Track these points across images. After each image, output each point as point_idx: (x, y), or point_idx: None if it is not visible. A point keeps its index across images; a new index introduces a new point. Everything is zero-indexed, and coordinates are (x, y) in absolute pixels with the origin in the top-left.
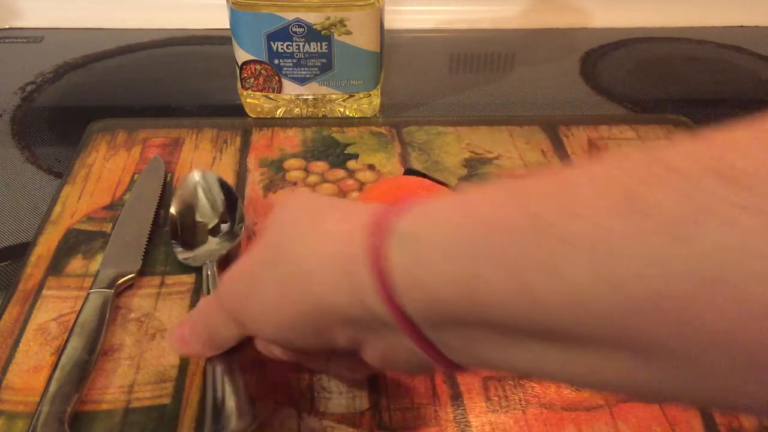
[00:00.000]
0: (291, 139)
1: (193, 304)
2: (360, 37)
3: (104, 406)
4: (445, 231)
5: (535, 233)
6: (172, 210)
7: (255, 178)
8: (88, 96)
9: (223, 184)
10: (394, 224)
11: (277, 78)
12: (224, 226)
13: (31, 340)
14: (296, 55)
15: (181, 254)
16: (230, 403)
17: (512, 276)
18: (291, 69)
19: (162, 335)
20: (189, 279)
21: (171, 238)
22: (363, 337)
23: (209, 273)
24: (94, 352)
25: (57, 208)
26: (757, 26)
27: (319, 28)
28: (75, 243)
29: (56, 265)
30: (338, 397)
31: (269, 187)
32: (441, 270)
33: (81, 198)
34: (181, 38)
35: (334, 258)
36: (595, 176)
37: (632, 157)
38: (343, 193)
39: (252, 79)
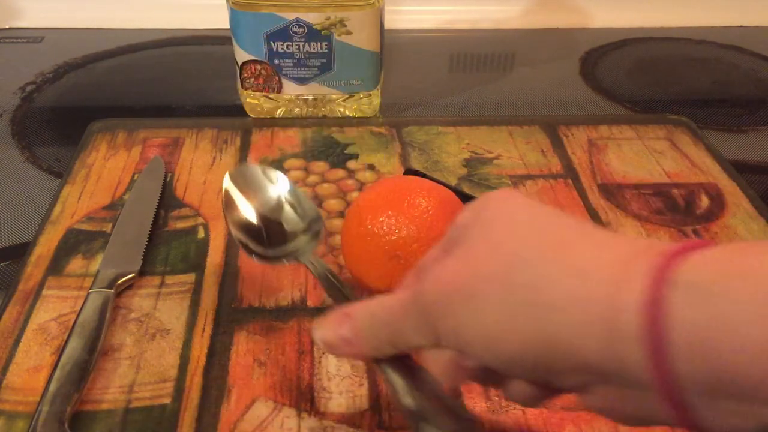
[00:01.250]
0: (291, 139)
1: (193, 303)
2: (360, 37)
3: (104, 406)
4: (757, 286)
5: None
6: (244, 212)
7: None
8: (88, 96)
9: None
10: (677, 270)
11: (277, 78)
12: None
13: (31, 340)
14: (296, 55)
15: (263, 251)
16: (444, 402)
17: None
18: (291, 69)
19: (162, 335)
20: (189, 279)
21: (247, 238)
22: (595, 384)
23: (316, 265)
24: (94, 352)
25: (57, 208)
26: (757, 26)
27: (319, 28)
28: (75, 243)
29: (56, 265)
30: (338, 397)
31: None
32: (745, 334)
33: (81, 198)
34: (181, 38)
35: (590, 301)
36: None
37: None
38: (343, 193)
39: (252, 79)
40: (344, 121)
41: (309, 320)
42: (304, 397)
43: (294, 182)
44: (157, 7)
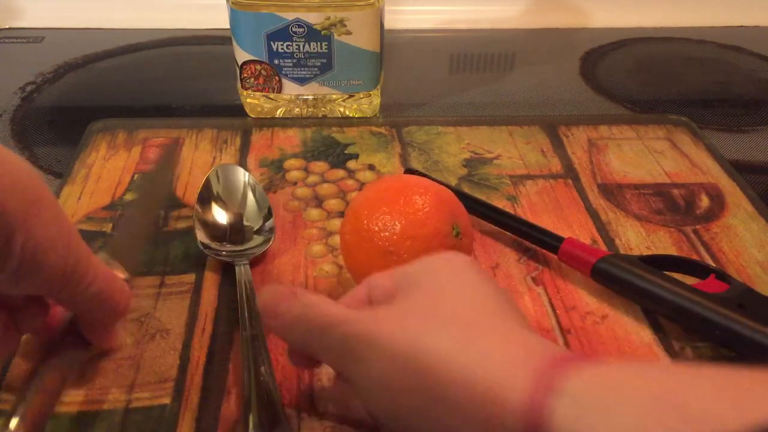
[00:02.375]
0: (291, 139)
1: (193, 303)
2: (360, 37)
3: (104, 406)
4: (631, 406)
5: None
6: (202, 205)
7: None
8: (88, 96)
9: (252, 182)
10: (564, 380)
11: (277, 78)
12: (266, 224)
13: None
14: (296, 55)
15: (213, 246)
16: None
17: None
18: (291, 69)
19: (162, 335)
20: (189, 279)
21: (204, 232)
22: None
23: (243, 272)
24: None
25: None
26: (757, 26)
27: (319, 28)
28: None
29: None
30: None
31: (269, 187)
32: None
33: (81, 198)
34: (181, 38)
35: (485, 403)
36: None
37: None
38: (343, 193)
39: (252, 79)
40: (344, 121)
41: None
42: (304, 398)
43: (257, 183)
44: (157, 7)
